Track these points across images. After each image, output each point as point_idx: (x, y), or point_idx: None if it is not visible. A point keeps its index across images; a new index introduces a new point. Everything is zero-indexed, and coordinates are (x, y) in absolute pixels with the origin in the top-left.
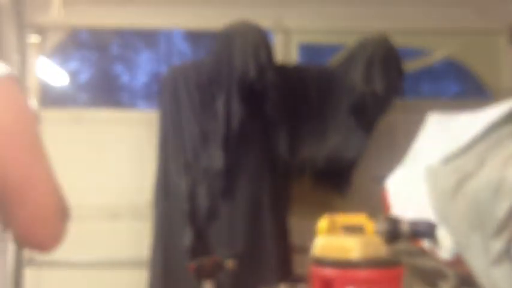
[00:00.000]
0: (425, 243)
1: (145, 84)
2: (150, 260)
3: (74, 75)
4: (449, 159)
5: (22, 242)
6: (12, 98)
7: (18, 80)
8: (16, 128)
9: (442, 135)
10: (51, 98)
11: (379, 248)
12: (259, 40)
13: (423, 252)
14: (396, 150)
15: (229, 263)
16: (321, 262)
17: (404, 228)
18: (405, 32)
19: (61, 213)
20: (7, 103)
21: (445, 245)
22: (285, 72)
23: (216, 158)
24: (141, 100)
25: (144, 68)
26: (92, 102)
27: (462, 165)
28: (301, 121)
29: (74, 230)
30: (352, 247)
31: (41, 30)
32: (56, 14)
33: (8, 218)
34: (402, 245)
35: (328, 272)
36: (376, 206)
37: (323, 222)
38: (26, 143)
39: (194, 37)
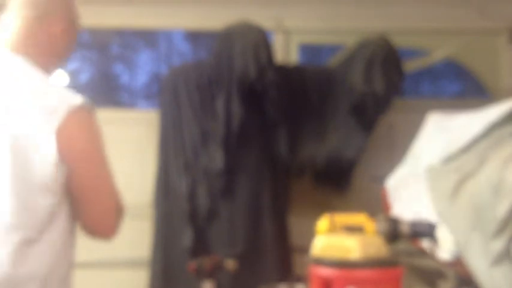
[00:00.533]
0: (425, 243)
1: (145, 84)
2: (150, 260)
3: (74, 75)
4: (449, 159)
5: (88, 231)
6: (86, 125)
7: (91, 108)
8: (89, 148)
9: (442, 135)
10: None
11: (379, 248)
12: (260, 40)
13: (423, 252)
14: (396, 150)
15: (229, 263)
16: (321, 262)
17: (405, 228)
18: (405, 32)
19: (118, 211)
20: (83, 129)
21: (445, 246)
22: (285, 73)
23: (216, 158)
24: (141, 100)
25: (144, 68)
26: (92, 102)
27: (462, 165)
28: (301, 121)
29: None
30: (352, 247)
31: None
32: None
33: (79, 212)
34: (402, 245)
35: (328, 272)
36: (376, 206)
37: (323, 222)
38: (96, 159)
39: (194, 37)
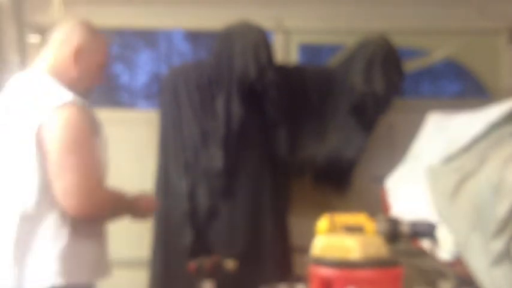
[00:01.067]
0: (425, 243)
1: (145, 84)
2: (150, 260)
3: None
4: (449, 159)
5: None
6: (68, 120)
7: (82, 107)
8: (65, 140)
9: (442, 135)
10: None
11: (379, 248)
12: (260, 40)
13: (423, 252)
14: (396, 150)
15: (229, 263)
16: (321, 262)
17: (405, 228)
18: (405, 32)
19: (84, 195)
20: (62, 122)
21: (445, 246)
22: (285, 73)
23: (216, 158)
24: (141, 100)
25: (144, 68)
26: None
27: (462, 165)
28: (301, 121)
29: None
30: (352, 247)
31: (41, 30)
32: (56, 14)
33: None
34: (402, 245)
35: (328, 272)
36: (376, 206)
37: (323, 222)
38: (71, 149)
39: (194, 37)
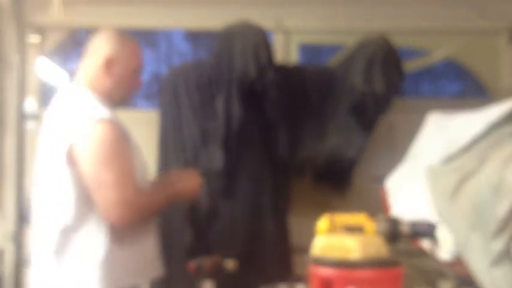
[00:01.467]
0: (425, 243)
1: (145, 84)
2: None
3: (74, 75)
4: (449, 159)
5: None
6: (98, 136)
7: (109, 121)
8: (98, 154)
9: (442, 135)
10: (51, 98)
11: (379, 248)
12: (260, 40)
13: (423, 252)
14: (396, 150)
15: (229, 263)
16: (321, 262)
17: (405, 228)
18: (405, 32)
19: (124, 207)
20: (94, 139)
21: (445, 246)
22: (285, 72)
23: (216, 158)
24: (141, 100)
25: (144, 68)
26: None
27: (462, 165)
28: (301, 121)
29: None
30: (352, 247)
31: (41, 30)
32: (56, 14)
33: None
34: (402, 245)
35: (328, 272)
36: (376, 206)
37: (323, 222)
38: (103, 162)
39: (194, 37)
